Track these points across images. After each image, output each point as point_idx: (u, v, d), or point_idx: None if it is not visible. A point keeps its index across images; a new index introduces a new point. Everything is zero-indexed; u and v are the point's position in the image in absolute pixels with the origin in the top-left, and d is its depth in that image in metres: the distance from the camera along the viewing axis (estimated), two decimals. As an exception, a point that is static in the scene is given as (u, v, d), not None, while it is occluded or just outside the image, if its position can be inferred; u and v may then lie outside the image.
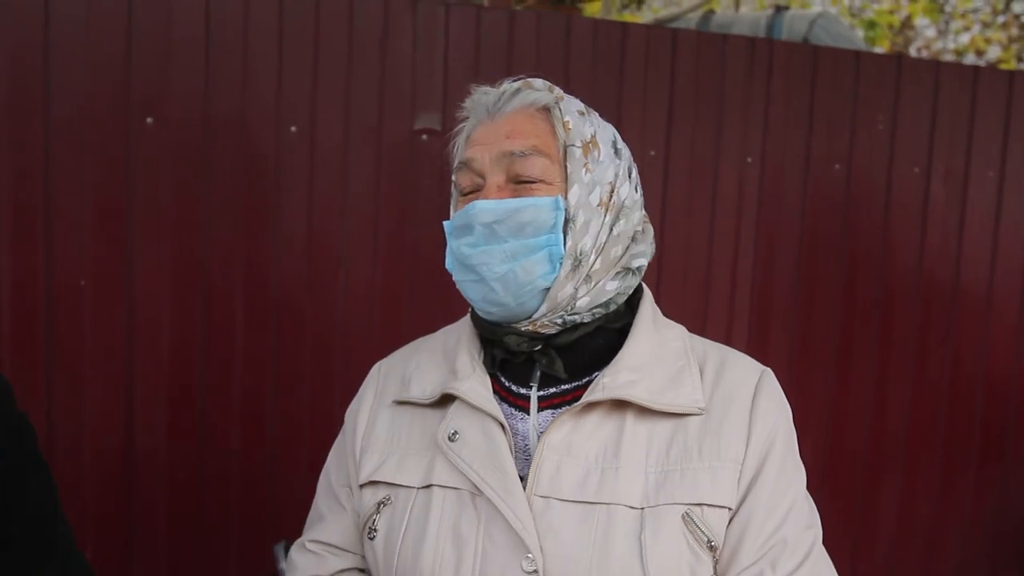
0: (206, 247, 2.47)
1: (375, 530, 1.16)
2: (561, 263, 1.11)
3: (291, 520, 2.59)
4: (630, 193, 1.18)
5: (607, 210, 1.14)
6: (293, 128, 2.51)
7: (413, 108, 2.62)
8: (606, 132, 1.18)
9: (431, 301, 2.65)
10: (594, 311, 1.15)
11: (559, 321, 1.13)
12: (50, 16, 2.30)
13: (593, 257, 1.13)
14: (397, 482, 1.15)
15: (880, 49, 9.31)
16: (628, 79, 2.81)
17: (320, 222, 2.56)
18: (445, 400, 1.17)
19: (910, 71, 3.14)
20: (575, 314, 1.14)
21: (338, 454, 1.28)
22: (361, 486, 1.20)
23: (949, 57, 10.45)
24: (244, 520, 2.55)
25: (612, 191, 1.15)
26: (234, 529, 2.55)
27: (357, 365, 2.58)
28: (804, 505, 1.13)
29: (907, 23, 10.45)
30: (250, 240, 2.50)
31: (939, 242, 3.21)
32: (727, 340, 2.83)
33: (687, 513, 1.06)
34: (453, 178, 1.20)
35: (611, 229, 1.15)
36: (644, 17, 8.69)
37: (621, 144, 1.20)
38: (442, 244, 1.21)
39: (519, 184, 1.12)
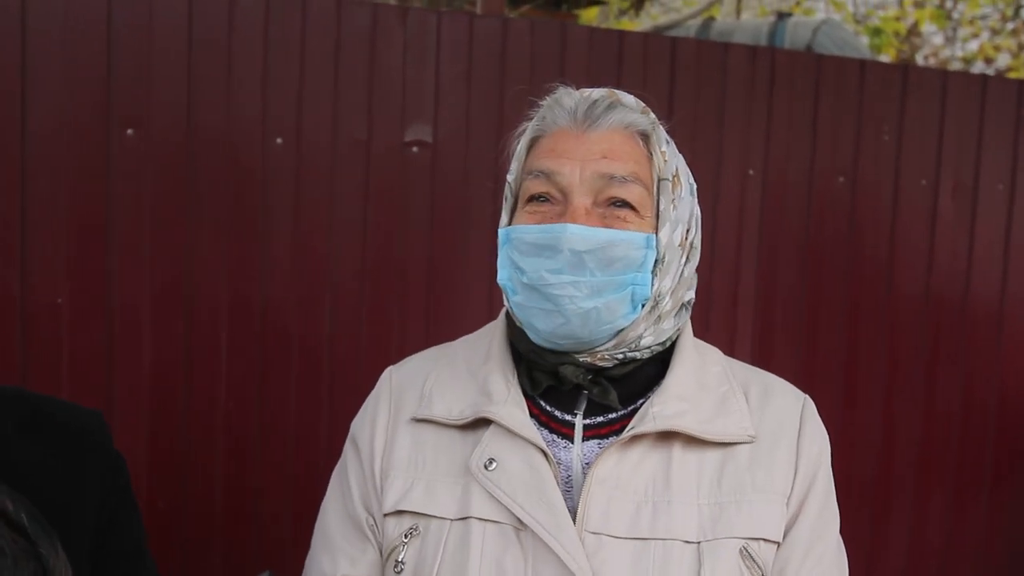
0: (189, 264, 2.48)
1: (402, 563, 1.11)
2: (643, 305, 1.10)
3: (277, 551, 2.60)
4: (697, 233, 1.19)
5: (684, 251, 1.15)
6: (279, 140, 2.54)
7: (403, 120, 2.64)
8: (684, 165, 1.18)
9: (422, 323, 2.66)
10: (652, 348, 1.15)
11: (620, 357, 1.13)
12: (26, 25, 2.33)
13: (668, 299, 1.13)
14: (429, 512, 1.11)
15: (886, 57, 9.39)
16: (625, 89, 2.83)
17: (307, 239, 2.58)
18: (476, 423, 1.14)
19: (917, 80, 3.17)
20: (636, 351, 1.13)
21: (354, 476, 1.20)
22: (386, 515, 1.15)
23: (957, 65, 10.54)
24: (227, 551, 2.56)
25: (687, 231, 1.15)
26: (217, 560, 2.55)
27: (345, 389, 2.62)
28: (837, 554, 1.16)
29: (913, 30, 10.54)
30: (234, 257, 2.52)
31: (948, 258, 3.23)
32: (730, 359, 2.85)
33: (745, 547, 1.07)
34: (511, 179, 1.18)
35: (683, 271, 1.15)
36: (642, 24, 8.76)
37: (692, 180, 1.20)
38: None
39: (610, 209, 1.09)
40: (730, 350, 2.92)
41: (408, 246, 2.65)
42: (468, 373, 1.19)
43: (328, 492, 1.26)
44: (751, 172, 2.99)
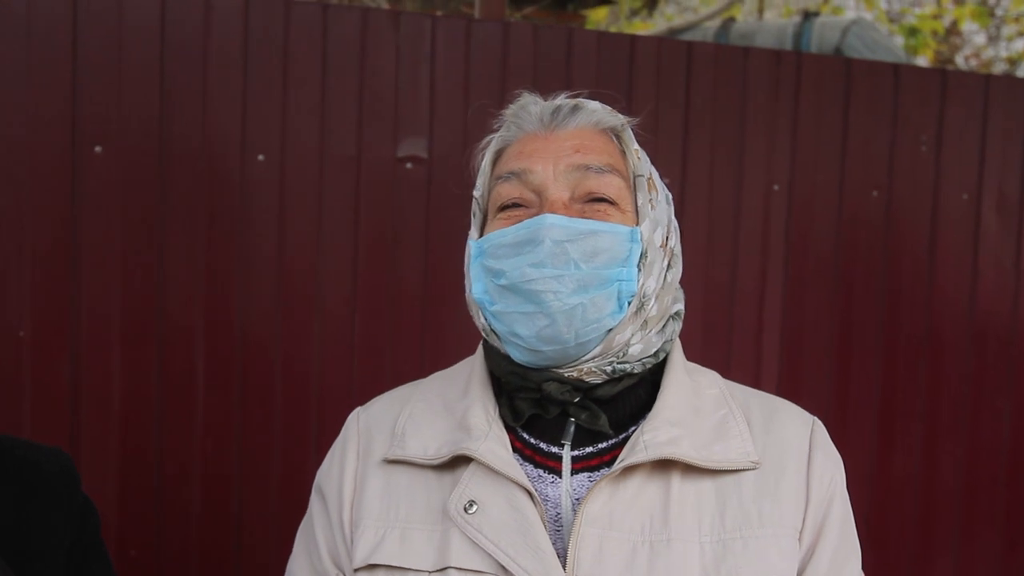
0: (162, 292, 2.47)
1: None
2: (630, 303, 1.10)
3: (258, 602, 2.58)
4: (676, 241, 1.20)
5: (665, 255, 1.16)
6: (261, 157, 2.52)
7: (396, 133, 2.63)
8: (655, 173, 1.20)
9: (417, 352, 2.64)
10: (644, 361, 1.15)
11: (608, 369, 1.12)
12: (-13, 34, 2.33)
13: (652, 302, 1.13)
14: (403, 565, 1.09)
15: (923, 59, 9.38)
16: (638, 98, 2.82)
17: (292, 263, 2.56)
18: (453, 462, 1.13)
19: (957, 84, 3.15)
20: (624, 363, 1.13)
21: (321, 530, 1.20)
22: (356, 570, 1.13)
23: (1001, 67, 10.53)
24: (205, 603, 2.53)
25: (666, 236, 1.16)
26: (193, 614, 2.53)
27: (334, 424, 2.57)
28: None
29: (953, 29, 10.54)
30: (212, 284, 2.50)
31: (993, 277, 3.21)
32: (754, 392, 2.83)
33: None
34: (478, 194, 1.19)
35: (666, 276, 1.16)
36: (656, 26, 8.77)
37: (668, 190, 1.23)
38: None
39: (589, 204, 1.11)
40: (755, 382, 2.91)
41: (402, 270, 2.64)
42: (445, 409, 1.19)
43: (294, 549, 1.25)
44: (776, 187, 2.97)
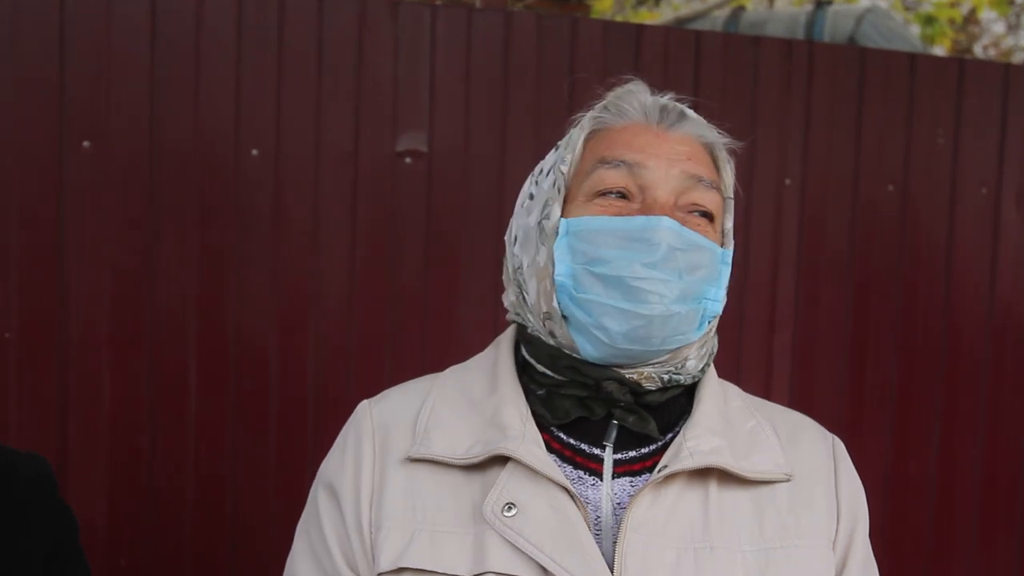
0: (152, 293, 2.47)
1: None
2: (710, 322, 1.15)
3: (254, 613, 2.58)
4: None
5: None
6: (255, 152, 2.53)
7: (395, 127, 2.63)
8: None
9: (418, 355, 2.64)
10: (695, 375, 1.18)
11: (665, 377, 1.14)
12: (-29, 25, 2.33)
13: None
14: (436, 569, 1.06)
15: (940, 49, 9.37)
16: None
17: (287, 262, 2.56)
18: (485, 463, 1.11)
19: (975, 74, 3.15)
20: (680, 374, 1.15)
21: (332, 529, 1.15)
22: (381, 574, 1.09)
23: (1021, 56, 10.53)
24: (198, 614, 2.54)
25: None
26: (186, 624, 2.53)
27: (331, 431, 2.56)
28: None
29: (971, 17, 10.53)
30: (205, 284, 2.50)
31: (1013, 274, 3.20)
32: (766, 395, 2.82)
33: None
34: (567, 169, 1.16)
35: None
36: (663, 16, 8.77)
37: None
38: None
39: (690, 216, 1.12)
40: (766, 382, 2.92)
41: (401, 269, 2.64)
42: (469, 405, 1.16)
43: (294, 548, 1.21)
44: (788, 181, 2.97)
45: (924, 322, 3.13)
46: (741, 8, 6.04)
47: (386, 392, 1.25)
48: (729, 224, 1.17)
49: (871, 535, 1.19)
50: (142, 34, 2.44)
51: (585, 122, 1.19)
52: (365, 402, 1.23)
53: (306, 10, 2.55)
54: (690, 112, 1.20)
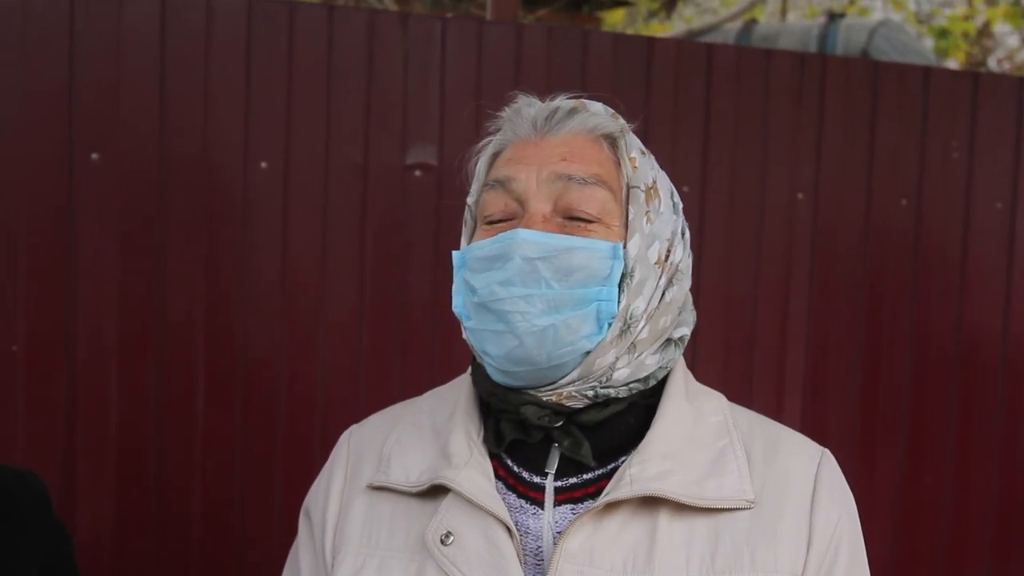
0: (161, 306, 2.47)
1: None
2: (610, 324, 1.07)
3: (260, 629, 2.57)
4: (684, 256, 1.17)
5: (663, 272, 1.12)
6: (263, 164, 2.53)
7: (404, 140, 2.63)
8: (665, 181, 1.17)
9: (426, 368, 2.64)
10: (631, 386, 1.12)
11: (590, 393, 1.09)
12: (-19, 37, 2.34)
13: (643, 323, 1.10)
14: None
15: (953, 62, 9.37)
16: (656, 103, 2.83)
17: (296, 275, 2.56)
18: (436, 490, 1.11)
19: (989, 88, 3.14)
20: (609, 387, 1.10)
21: (305, 556, 1.20)
22: None
23: (1035, 70, 10.51)
24: (204, 629, 2.53)
25: (669, 250, 1.13)
26: (192, 640, 2.53)
27: (339, 443, 2.58)
28: None
29: (985, 31, 10.53)
30: (213, 297, 2.51)
31: (1028, 290, 3.20)
32: (776, 413, 2.82)
33: None
34: (471, 201, 1.17)
35: (663, 295, 1.12)
36: (674, 28, 8.79)
37: (678, 199, 1.19)
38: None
39: (571, 221, 1.09)
40: (777, 400, 2.91)
41: (410, 282, 2.64)
42: (433, 432, 1.17)
43: (283, 573, 1.24)
44: (800, 196, 2.97)
45: (938, 337, 3.12)
46: (753, 21, 6.04)
47: (369, 417, 1.28)
48: (633, 213, 1.10)
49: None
50: (151, 46, 2.44)
51: (487, 149, 1.18)
52: (351, 427, 1.27)
53: (316, 22, 2.55)
54: (592, 106, 1.16)
